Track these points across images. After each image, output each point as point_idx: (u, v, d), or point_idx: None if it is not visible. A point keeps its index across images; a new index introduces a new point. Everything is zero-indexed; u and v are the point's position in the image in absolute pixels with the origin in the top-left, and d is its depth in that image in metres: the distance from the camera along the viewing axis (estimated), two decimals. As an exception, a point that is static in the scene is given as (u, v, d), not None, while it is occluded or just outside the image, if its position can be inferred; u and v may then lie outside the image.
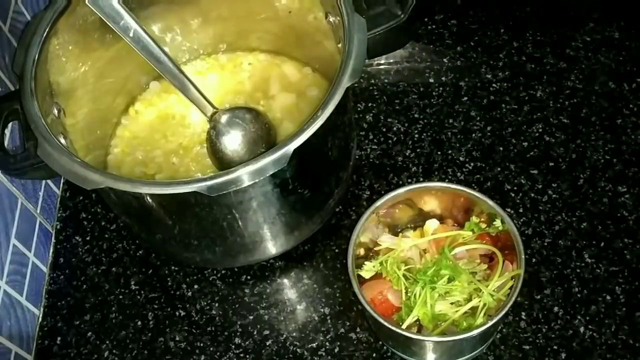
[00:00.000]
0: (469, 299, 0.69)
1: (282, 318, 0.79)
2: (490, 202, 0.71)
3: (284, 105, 0.84)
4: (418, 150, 0.88)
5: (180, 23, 0.86)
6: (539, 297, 0.77)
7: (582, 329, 0.75)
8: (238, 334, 0.79)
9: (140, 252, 0.85)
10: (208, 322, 0.80)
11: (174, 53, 0.89)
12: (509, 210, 0.82)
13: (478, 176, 0.85)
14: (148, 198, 0.68)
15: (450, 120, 0.90)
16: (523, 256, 0.68)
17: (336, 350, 0.76)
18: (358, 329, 0.77)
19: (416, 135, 0.89)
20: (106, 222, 0.87)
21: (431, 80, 0.93)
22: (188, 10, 0.84)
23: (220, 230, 0.72)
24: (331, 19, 0.75)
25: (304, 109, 0.83)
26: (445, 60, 0.95)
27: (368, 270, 0.72)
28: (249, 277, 0.82)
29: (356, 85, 0.91)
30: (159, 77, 0.89)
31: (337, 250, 0.82)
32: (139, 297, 0.82)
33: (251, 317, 0.79)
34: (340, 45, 0.71)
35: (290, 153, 0.63)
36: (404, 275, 0.71)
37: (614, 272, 0.78)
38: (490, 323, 0.66)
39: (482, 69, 0.93)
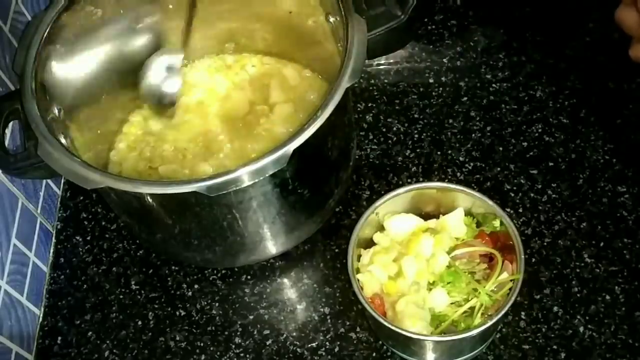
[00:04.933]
0: (468, 299, 0.69)
1: (282, 318, 0.79)
2: (490, 202, 0.71)
3: (284, 116, 0.84)
4: (418, 150, 0.88)
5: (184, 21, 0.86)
6: (538, 296, 0.77)
7: (581, 329, 0.75)
8: (238, 333, 0.79)
9: (141, 252, 0.85)
10: (208, 321, 0.80)
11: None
12: (508, 210, 0.82)
13: (478, 176, 0.86)
14: (148, 198, 0.68)
15: (450, 121, 0.90)
16: (523, 256, 0.68)
17: (336, 349, 0.77)
18: (358, 329, 0.78)
19: (416, 136, 0.89)
20: (107, 222, 0.87)
21: (431, 81, 0.93)
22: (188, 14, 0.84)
23: (220, 230, 0.73)
24: (331, 20, 0.75)
25: (302, 115, 0.83)
26: (445, 60, 0.95)
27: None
28: (249, 277, 0.82)
29: (356, 85, 0.91)
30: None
31: (337, 250, 0.82)
32: (139, 296, 0.82)
33: (251, 317, 0.80)
34: (340, 45, 0.71)
35: (290, 153, 0.63)
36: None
37: (614, 272, 0.78)
38: (489, 323, 0.66)
39: (481, 69, 0.93)
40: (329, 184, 0.78)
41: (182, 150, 0.83)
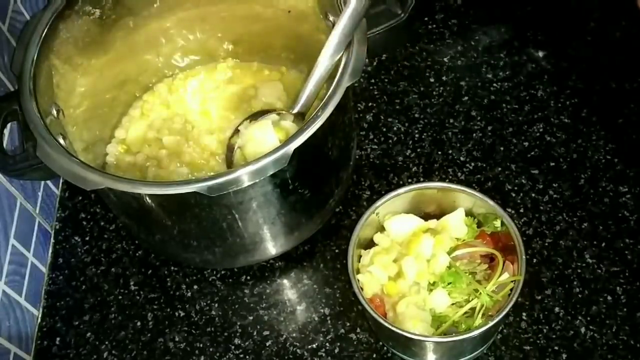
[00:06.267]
0: (469, 300, 0.69)
1: (282, 319, 0.79)
2: (491, 202, 0.71)
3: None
4: (418, 150, 0.88)
5: (179, 28, 0.86)
6: (539, 297, 0.77)
7: (583, 330, 0.75)
8: (238, 334, 0.78)
9: (140, 252, 0.84)
10: (208, 322, 0.79)
11: (169, 59, 0.89)
12: (509, 210, 0.82)
13: (479, 176, 0.85)
14: (147, 198, 0.68)
15: (451, 120, 0.89)
16: (524, 257, 0.68)
17: (336, 350, 0.76)
18: (358, 330, 0.77)
19: (416, 135, 0.89)
20: (105, 222, 0.87)
21: (431, 80, 0.93)
22: (187, 14, 0.84)
23: (220, 231, 0.72)
24: (331, 19, 0.75)
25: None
26: (445, 59, 0.95)
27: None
28: (248, 278, 0.82)
29: (356, 85, 0.91)
30: (163, 77, 0.89)
31: (337, 251, 0.82)
32: (138, 297, 0.82)
33: (251, 318, 0.79)
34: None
35: (291, 153, 0.63)
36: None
37: (615, 272, 0.78)
38: (490, 324, 0.65)
39: (482, 68, 0.93)
40: (329, 184, 0.77)
41: (192, 122, 0.85)
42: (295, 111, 0.76)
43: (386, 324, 0.66)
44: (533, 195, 0.83)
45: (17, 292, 0.77)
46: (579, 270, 0.78)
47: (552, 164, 0.85)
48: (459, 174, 0.86)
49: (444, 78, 0.93)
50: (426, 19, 0.98)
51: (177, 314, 0.80)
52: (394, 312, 0.69)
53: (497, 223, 0.71)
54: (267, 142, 0.75)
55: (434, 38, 0.97)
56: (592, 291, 0.77)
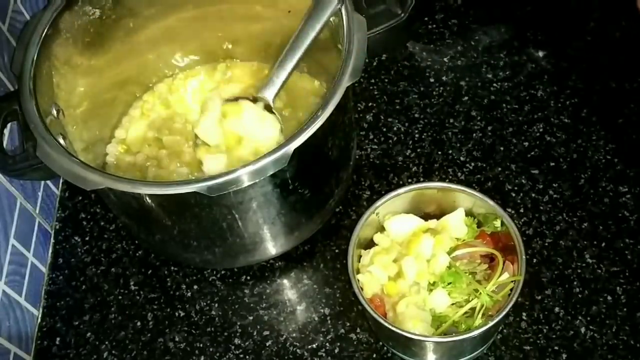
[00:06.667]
0: (469, 300, 0.69)
1: (282, 319, 0.79)
2: (491, 202, 0.71)
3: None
4: (418, 150, 0.88)
5: (179, 28, 0.86)
6: (539, 297, 0.77)
7: (583, 330, 0.75)
8: (238, 334, 0.78)
9: (140, 252, 0.84)
10: (208, 322, 0.79)
11: (169, 59, 0.89)
12: (509, 210, 0.82)
13: (479, 176, 0.85)
14: (147, 198, 0.68)
15: (451, 120, 0.89)
16: (524, 257, 0.68)
17: (336, 350, 0.76)
18: (358, 330, 0.77)
19: (416, 135, 0.89)
20: (105, 222, 0.87)
21: (432, 80, 0.93)
22: (187, 14, 0.84)
23: (220, 231, 0.72)
24: (331, 18, 0.75)
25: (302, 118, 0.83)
26: (445, 59, 0.95)
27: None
28: (248, 278, 0.82)
29: (356, 85, 0.91)
30: (163, 77, 0.89)
31: (337, 251, 0.82)
32: (138, 297, 0.82)
33: (251, 318, 0.79)
34: (340, 44, 0.71)
35: (291, 153, 0.63)
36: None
37: (615, 272, 0.78)
38: (490, 324, 0.65)
39: (482, 68, 0.93)
40: (329, 184, 0.77)
41: (192, 121, 0.84)
42: (261, 95, 0.75)
43: (386, 324, 0.66)
44: (533, 195, 0.83)
45: (17, 292, 0.77)
46: (579, 270, 0.78)
47: (552, 164, 0.85)
48: (459, 174, 0.86)
49: (444, 78, 0.93)
50: (426, 19, 0.98)
51: (177, 314, 0.80)
52: (394, 312, 0.69)
53: (497, 223, 0.71)
54: (210, 116, 0.76)
55: (434, 38, 0.97)
56: (592, 291, 0.77)
